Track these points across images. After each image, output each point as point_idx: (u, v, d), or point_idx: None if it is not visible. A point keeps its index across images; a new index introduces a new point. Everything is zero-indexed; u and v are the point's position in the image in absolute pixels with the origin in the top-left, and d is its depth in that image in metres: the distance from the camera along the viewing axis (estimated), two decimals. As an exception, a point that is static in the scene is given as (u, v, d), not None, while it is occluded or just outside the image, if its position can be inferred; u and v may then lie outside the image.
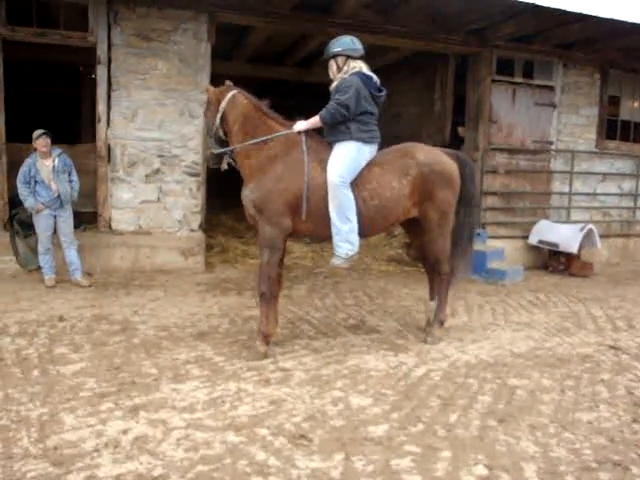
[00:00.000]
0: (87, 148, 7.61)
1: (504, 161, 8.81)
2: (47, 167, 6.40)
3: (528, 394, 3.91)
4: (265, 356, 4.40)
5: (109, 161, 7.25)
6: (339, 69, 4.61)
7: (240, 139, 4.56)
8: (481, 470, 2.91)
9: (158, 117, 7.32)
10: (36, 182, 6.36)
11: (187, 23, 7.30)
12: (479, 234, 7.84)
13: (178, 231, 7.57)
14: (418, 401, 3.71)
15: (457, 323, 5.56)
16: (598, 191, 9.70)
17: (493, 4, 7.13)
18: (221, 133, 4.64)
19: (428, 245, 4.89)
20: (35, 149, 6.41)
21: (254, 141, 4.51)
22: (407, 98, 10.63)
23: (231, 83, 4.75)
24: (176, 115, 7.38)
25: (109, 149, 7.24)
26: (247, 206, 4.52)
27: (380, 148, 4.76)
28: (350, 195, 4.38)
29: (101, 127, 7.19)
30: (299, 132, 4.54)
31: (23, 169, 6.36)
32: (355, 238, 4.46)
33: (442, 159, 4.79)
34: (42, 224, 6.44)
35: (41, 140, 6.34)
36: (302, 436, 3.18)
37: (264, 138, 4.51)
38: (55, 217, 6.48)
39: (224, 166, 4.75)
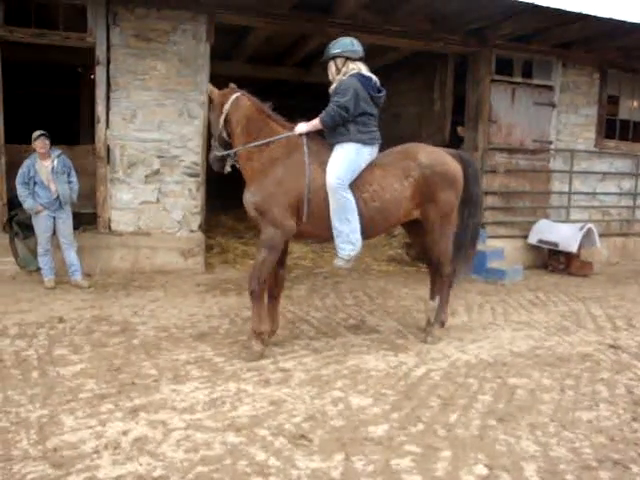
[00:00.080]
0: (86, 149, 7.60)
1: (504, 161, 8.80)
2: (46, 168, 6.40)
3: (528, 393, 3.91)
4: (262, 355, 4.40)
5: (108, 162, 7.25)
6: (338, 71, 4.60)
7: (243, 141, 4.57)
8: (481, 470, 2.91)
9: (157, 118, 7.32)
10: (35, 183, 6.35)
11: (186, 24, 7.30)
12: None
13: (178, 232, 7.57)
14: (418, 401, 3.71)
15: (457, 323, 5.56)
16: (597, 190, 9.70)
17: (492, 4, 7.13)
18: (225, 135, 4.65)
19: (430, 246, 4.88)
20: (34, 150, 6.41)
21: (256, 143, 4.52)
22: (407, 98, 10.63)
23: (235, 85, 4.76)
24: (175, 116, 7.38)
25: (108, 150, 7.23)
26: (248, 209, 4.53)
27: (380, 149, 4.75)
28: (350, 197, 4.38)
29: (100, 128, 7.19)
30: (300, 134, 4.54)
31: (22, 170, 6.36)
32: (356, 238, 4.46)
33: (444, 160, 4.77)
34: (41, 225, 6.43)
35: (40, 141, 6.34)
36: (302, 436, 3.18)
37: (265, 141, 4.52)
38: (54, 218, 6.47)
39: (227, 168, 4.76)
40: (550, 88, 9.05)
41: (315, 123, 4.53)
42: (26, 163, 6.38)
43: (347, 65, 4.56)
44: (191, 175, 7.53)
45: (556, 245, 8.43)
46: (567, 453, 3.10)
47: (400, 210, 4.63)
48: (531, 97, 8.92)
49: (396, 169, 4.60)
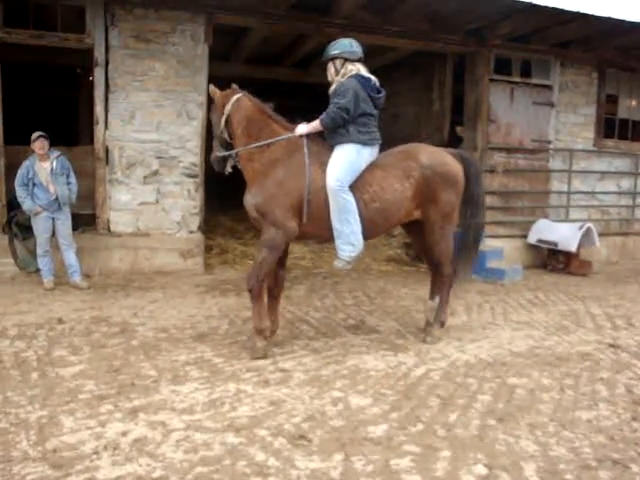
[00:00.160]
0: (85, 150, 7.61)
1: (502, 160, 8.81)
2: (45, 169, 6.40)
3: (527, 393, 3.90)
4: (265, 352, 4.42)
5: (107, 163, 7.25)
6: (337, 72, 4.61)
7: (244, 142, 4.58)
8: (481, 469, 2.90)
9: (156, 118, 7.32)
10: (34, 184, 6.35)
11: (184, 24, 7.30)
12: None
13: (177, 232, 7.57)
14: (417, 401, 3.71)
15: (456, 322, 5.56)
16: (597, 190, 9.71)
17: (491, 4, 7.13)
18: (226, 136, 4.66)
19: (430, 247, 4.87)
20: (33, 151, 6.41)
21: (256, 144, 4.52)
22: (406, 98, 10.63)
23: (237, 86, 4.76)
24: (174, 116, 7.38)
25: (107, 151, 7.24)
26: (250, 210, 4.53)
27: (380, 149, 4.75)
28: (350, 198, 4.38)
29: (99, 129, 7.18)
30: (301, 135, 4.54)
31: (21, 171, 6.36)
32: (357, 239, 4.46)
33: (445, 160, 4.77)
34: (40, 226, 6.43)
35: (38, 142, 6.34)
36: (302, 436, 3.18)
37: (266, 142, 4.52)
38: (53, 219, 6.47)
39: (228, 169, 4.76)
40: (549, 88, 9.06)
41: (315, 124, 4.54)
42: (25, 164, 6.38)
43: (346, 66, 4.56)
44: (190, 176, 7.53)
45: (555, 245, 8.44)
46: (567, 453, 3.10)
47: (401, 211, 4.63)
48: (530, 97, 8.92)
49: (397, 169, 4.60)
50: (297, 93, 13.41)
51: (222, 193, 10.78)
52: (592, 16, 7.15)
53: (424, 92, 10.33)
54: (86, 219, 7.41)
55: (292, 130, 4.58)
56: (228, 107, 4.59)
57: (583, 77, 9.39)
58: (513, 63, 8.80)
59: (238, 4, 7.25)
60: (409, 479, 2.81)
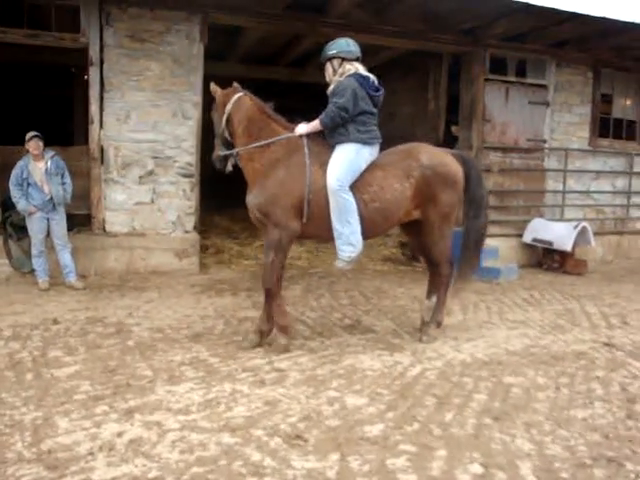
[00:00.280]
0: (80, 150, 7.57)
1: (498, 160, 8.83)
2: (40, 169, 6.37)
3: (523, 392, 3.91)
4: (287, 348, 4.52)
5: (102, 163, 7.23)
6: (335, 72, 4.61)
7: (244, 141, 4.58)
8: (477, 468, 2.91)
9: (151, 118, 7.30)
10: (29, 184, 6.33)
11: (180, 24, 7.29)
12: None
13: (172, 232, 7.55)
14: (414, 400, 3.71)
15: (452, 322, 5.56)
16: (592, 189, 9.74)
17: (485, 3, 7.14)
18: (227, 135, 4.65)
19: (429, 247, 4.88)
20: (27, 151, 6.38)
21: (257, 144, 4.52)
22: (401, 98, 10.64)
23: (238, 85, 4.76)
24: (169, 116, 7.37)
25: (102, 151, 7.21)
26: (252, 210, 4.54)
27: (379, 148, 4.75)
28: (350, 198, 4.38)
29: (94, 129, 7.16)
30: (301, 135, 4.54)
31: (15, 171, 6.33)
32: (357, 239, 4.46)
33: (446, 161, 4.77)
34: (35, 227, 6.41)
35: (33, 142, 6.32)
36: (298, 436, 3.18)
37: (266, 142, 4.52)
38: (48, 219, 6.45)
39: (229, 168, 4.77)
40: (544, 87, 9.08)
41: (315, 124, 4.54)
42: (19, 164, 6.36)
43: (344, 66, 4.57)
44: (185, 176, 7.51)
45: (551, 244, 8.46)
46: (562, 451, 3.11)
47: (401, 210, 4.63)
48: (525, 96, 8.95)
49: (397, 169, 4.60)
50: (293, 93, 13.40)
51: (218, 193, 10.76)
52: (587, 16, 7.18)
53: (419, 91, 10.35)
54: (81, 219, 7.38)
55: (292, 130, 4.59)
56: (229, 106, 4.58)
57: (578, 77, 9.42)
58: (508, 63, 8.83)
59: (233, 4, 7.24)
60: (405, 478, 2.81)
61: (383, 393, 3.81)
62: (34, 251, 6.45)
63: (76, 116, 11.27)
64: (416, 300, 6.30)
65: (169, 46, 7.28)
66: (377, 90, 4.63)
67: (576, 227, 8.31)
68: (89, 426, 3.24)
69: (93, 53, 7.01)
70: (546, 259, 8.72)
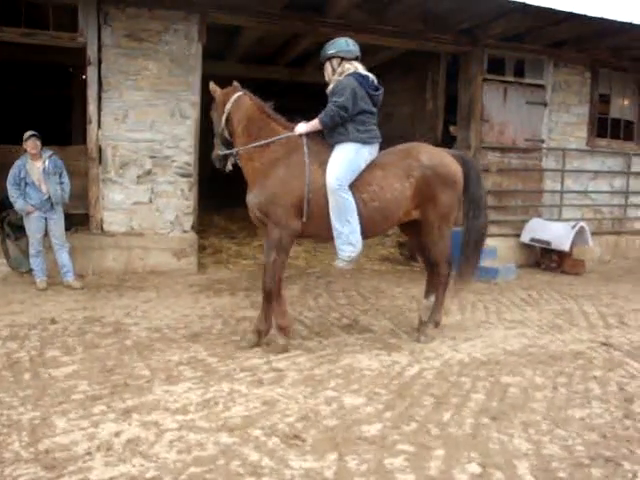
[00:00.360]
0: (78, 149, 7.57)
1: (496, 160, 8.84)
2: (37, 169, 6.37)
3: (521, 392, 3.91)
4: (286, 349, 4.52)
5: (100, 162, 7.23)
6: (334, 71, 4.62)
7: (244, 141, 4.58)
8: (474, 468, 2.91)
9: (149, 118, 7.29)
10: (26, 184, 6.32)
11: (178, 23, 7.28)
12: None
13: (170, 232, 7.55)
14: (411, 400, 3.72)
15: (450, 322, 5.57)
16: (589, 189, 9.75)
17: (483, 3, 7.15)
18: (227, 134, 4.66)
19: (428, 247, 4.89)
20: (25, 151, 6.37)
21: (256, 144, 4.52)
22: (399, 98, 10.64)
23: (238, 84, 4.76)
24: (167, 116, 7.36)
25: (100, 150, 7.21)
26: (253, 209, 4.55)
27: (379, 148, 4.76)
28: (349, 198, 4.38)
29: (92, 128, 7.16)
30: (300, 134, 4.55)
31: (13, 171, 6.33)
32: (356, 239, 4.46)
33: (446, 161, 4.77)
34: (33, 226, 6.40)
35: (30, 142, 6.31)
36: (295, 436, 3.18)
37: (266, 141, 4.53)
38: (46, 219, 6.44)
39: (229, 167, 4.77)
40: (542, 87, 9.09)
41: (314, 123, 4.55)
42: (17, 164, 6.35)
43: (343, 65, 4.58)
44: (183, 175, 7.51)
45: (549, 244, 8.47)
46: (559, 451, 3.11)
47: (400, 210, 4.63)
48: (523, 96, 8.96)
49: (397, 169, 4.60)
50: (291, 92, 13.40)
51: (216, 193, 10.76)
52: (584, 16, 7.19)
53: (418, 91, 10.35)
54: (79, 219, 7.38)
55: (292, 129, 4.59)
56: (229, 105, 4.59)
57: (576, 77, 9.43)
58: (506, 63, 8.83)
59: (232, 3, 7.24)
60: (403, 478, 2.81)
61: (381, 393, 3.82)
62: (32, 251, 6.44)
63: (74, 116, 11.26)
64: (414, 300, 6.31)
65: (167, 46, 7.27)
66: (376, 89, 4.63)
67: (574, 227, 8.33)
68: (87, 426, 3.23)
69: (91, 52, 7.00)
70: (544, 259, 8.73)
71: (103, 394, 3.67)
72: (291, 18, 7.65)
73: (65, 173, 6.56)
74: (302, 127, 4.57)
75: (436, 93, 9.98)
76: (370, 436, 3.21)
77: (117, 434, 3.15)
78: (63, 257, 6.52)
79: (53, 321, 5.20)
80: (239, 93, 4.64)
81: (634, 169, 10.05)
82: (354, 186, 4.44)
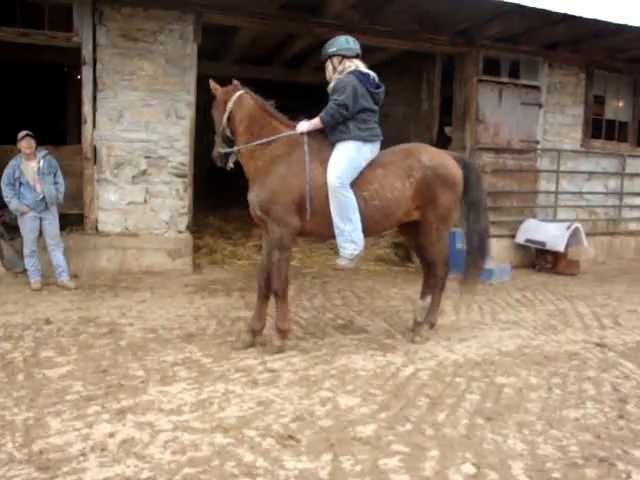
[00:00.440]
0: (73, 149, 7.55)
1: (491, 160, 8.85)
2: (32, 169, 6.34)
3: (515, 392, 3.92)
4: (281, 350, 4.52)
5: (95, 162, 7.20)
6: (335, 69, 4.63)
7: (245, 139, 4.58)
8: (469, 468, 2.91)
9: (144, 118, 7.28)
10: (21, 184, 6.30)
11: (173, 24, 7.27)
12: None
13: (165, 232, 7.53)
14: (406, 400, 3.72)
15: (445, 322, 5.57)
16: (584, 190, 9.78)
17: (479, 5, 7.16)
18: (228, 132, 4.66)
19: (427, 248, 4.89)
20: (19, 150, 6.35)
21: (258, 142, 4.52)
22: (395, 98, 10.63)
23: (238, 82, 4.76)
24: (162, 116, 7.35)
25: (95, 150, 7.19)
26: (254, 207, 4.55)
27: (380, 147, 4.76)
28: (350, 196, 4.39)
29: (87, 128, 7.14)
30: (302, 133, 4.55)
31: (7, 171, 6.30)
32: (358, 237, 4.47)
33: (447, 162, 4.78)
34: (27, 226, 6.38)
35: (25, 142, 6.29)
36: (290, 437, 3.18)
37: (267, 139, 4.53)
38: (40, 219, 6.42)
39: (230, 165, 4.78)
40: (537, 88, 9.12)
41: (315, 122, 4.55)
42: (11, 164, 6.33)
43: (343, 63, 4.59)
44: (178, 175, 7.50)
45: (543, 244, 8.49)
46: (554, 451, 3.12)
47: (400, 210, 4.63)
48: (518, 97, 8.98)
49: (398, 168, 4.61)
50: (286, 93, 13.39)
51: (211, 193, 10.75)
52: (579, 18, 7.22)
53: (413, 92, 10.37)
54: (74, 219, 7.36)
55: (293, 127, 4.60)
56: (230, 104, 4.58)
57: (571, 78, 9.46)
58: (502, 64, 8.86)
59: (227, 3, 7.23)
60: (398, 479, 2.81)
61: (376, 393, 3.82)
62: (26, 251, 6.42)
63: (69, 115, 11.23)
64: (409, 300, 6.32)
65: (162, 46, 7.26)
66: (377, 87, 4.63)
67: (569, 228, 8.35)
68: (81, 427, 3.22)
69: (86, 52, 6.98)
70: (539, 260, 8.75)
71: (97, 395, 3.66)
72: (286, 18, 7.64)
73: (60, 173, 6.54)
74: (303, 125, 4.57)
75: (431, 94, 10.00)
76: (365, 437, 3.21)
77: (111, 435, 3.14)
78: (58, 257, 6.50)
79: (47, 321, 5.19)
80: (240, 92, 4.65)
81: (628, 170, 10.09)
82: (355, 184, 4.45)
